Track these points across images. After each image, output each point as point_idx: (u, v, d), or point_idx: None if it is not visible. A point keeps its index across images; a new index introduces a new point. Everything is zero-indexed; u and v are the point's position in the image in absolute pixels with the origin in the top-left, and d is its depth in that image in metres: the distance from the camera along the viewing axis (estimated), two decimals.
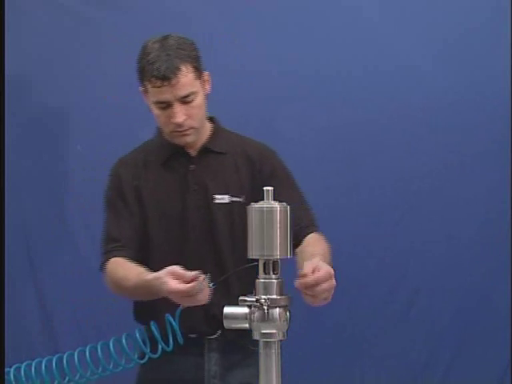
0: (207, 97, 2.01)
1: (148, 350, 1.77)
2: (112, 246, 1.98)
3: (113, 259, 1.96)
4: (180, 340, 1.84)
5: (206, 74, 1.99)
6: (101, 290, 3.16)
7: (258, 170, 2.02)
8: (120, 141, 3.18)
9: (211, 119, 2.10)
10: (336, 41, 3.14)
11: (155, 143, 2.07)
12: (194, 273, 1.67)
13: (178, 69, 1.87)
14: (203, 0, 3.22)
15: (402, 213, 3.12)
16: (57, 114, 3.26)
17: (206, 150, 2.03)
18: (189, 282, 1.65)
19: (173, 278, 1.68)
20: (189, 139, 1.98)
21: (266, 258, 1.61)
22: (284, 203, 1.70)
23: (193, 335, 1.84)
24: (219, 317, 1.68)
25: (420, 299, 3.10)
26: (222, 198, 1.99)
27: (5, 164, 2.63)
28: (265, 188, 1.71)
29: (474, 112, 3.10)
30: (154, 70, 1.88)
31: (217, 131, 2.08)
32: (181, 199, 1.99)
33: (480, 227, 3.09)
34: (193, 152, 2.03)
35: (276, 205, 1.67)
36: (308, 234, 1.94)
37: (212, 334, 1.90)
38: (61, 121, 3.26)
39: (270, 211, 1.66)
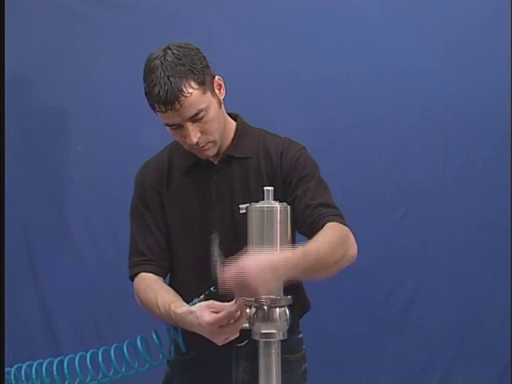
0: (224, 100, 1.89)
1: (149, 358, 1.77)
2: (139, 260, 1.93)
3: (140, 275, 1.92)
4: (182, 348, 1.84)
5: (217, 79, 1.85)
6: (101, 290, 3.21)
7: (279, 167, 1.89)
8: (120, 141, 3.21)
9: (235, 118, 1.97)
10: (336, 40, 3.14)
11: (179, 147, 1.94)
12: (231, 303, 1.65)
13: (180, 91, 1.74)
14: (203, 0, 3.22)
15: (402, 213, 3.11)
16: (57, 114, 3.25)
17: (228, 158, 1.91)
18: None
19: (209, 311, 1.68)
20: (209, 153, 1.87)
21: None
22: (284, 203, 1.71)
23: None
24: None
25: (420, 299, 3.10)
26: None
27: (5, 164, 2.62)
28: (265, 188, 1.71)
29: (474, 111, 3.09)
30: (155, 95, 1.75)
31: (241, 132, 1.95)
32: (203, 211, 1.91)
33: (480, 227, 3.08)
34: (215, 160, 1.91)
35: (276, 205, 1.68)
36: (322, 226, 1.76)
37: (240, 342, 1.84)
38: (61, 121, 3.25)
39: (270, 211, 1.66)
